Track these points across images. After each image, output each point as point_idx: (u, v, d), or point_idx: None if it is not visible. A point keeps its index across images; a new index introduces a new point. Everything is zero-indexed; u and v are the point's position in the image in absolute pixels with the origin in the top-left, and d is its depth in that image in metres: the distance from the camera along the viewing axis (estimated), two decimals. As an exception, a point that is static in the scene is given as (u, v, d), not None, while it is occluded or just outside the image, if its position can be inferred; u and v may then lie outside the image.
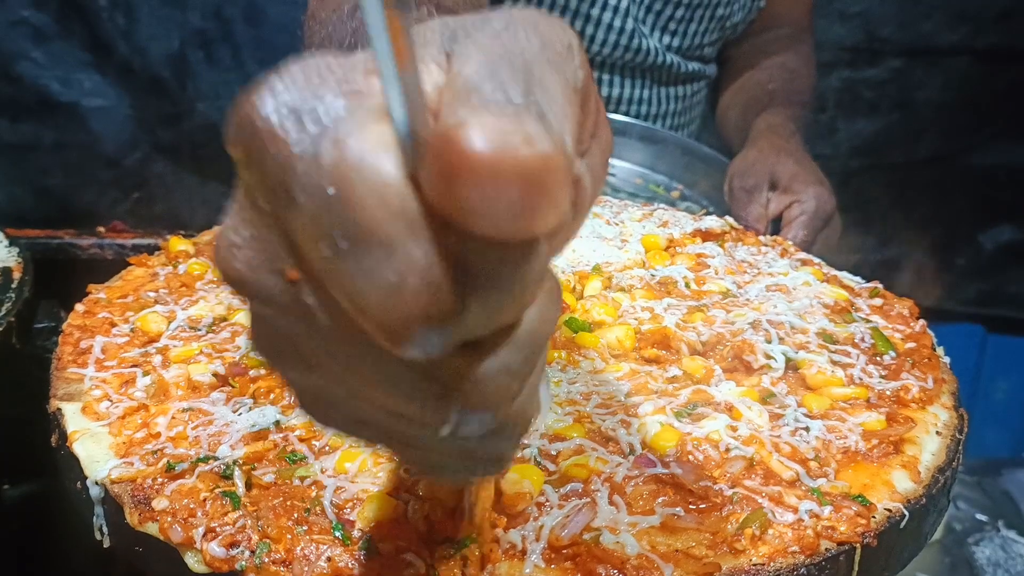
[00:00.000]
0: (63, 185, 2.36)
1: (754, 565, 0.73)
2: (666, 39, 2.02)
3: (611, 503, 0.76)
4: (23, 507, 1.26)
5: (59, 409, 0.89)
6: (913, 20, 3.09)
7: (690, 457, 0.81)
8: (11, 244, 1.24)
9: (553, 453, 0.81)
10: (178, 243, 1.19)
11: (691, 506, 0.77)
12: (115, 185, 2.45)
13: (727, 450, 0.81)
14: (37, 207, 2.33)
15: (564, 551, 0.71)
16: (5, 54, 2.32)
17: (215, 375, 0.92)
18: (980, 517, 2.02)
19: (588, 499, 0.75)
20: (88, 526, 0.82)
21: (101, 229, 1.48)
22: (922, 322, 1.09)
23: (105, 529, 0.81)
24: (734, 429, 0.84)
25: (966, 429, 0.94)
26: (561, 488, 0.77)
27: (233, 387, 0.91)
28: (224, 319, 1.03)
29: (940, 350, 1.05)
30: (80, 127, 2.35)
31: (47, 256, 1.35)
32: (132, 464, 0.80)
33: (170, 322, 1.01)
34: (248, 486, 0.77)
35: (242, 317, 1.02)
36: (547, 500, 0.76)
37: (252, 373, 0.92)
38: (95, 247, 1.44)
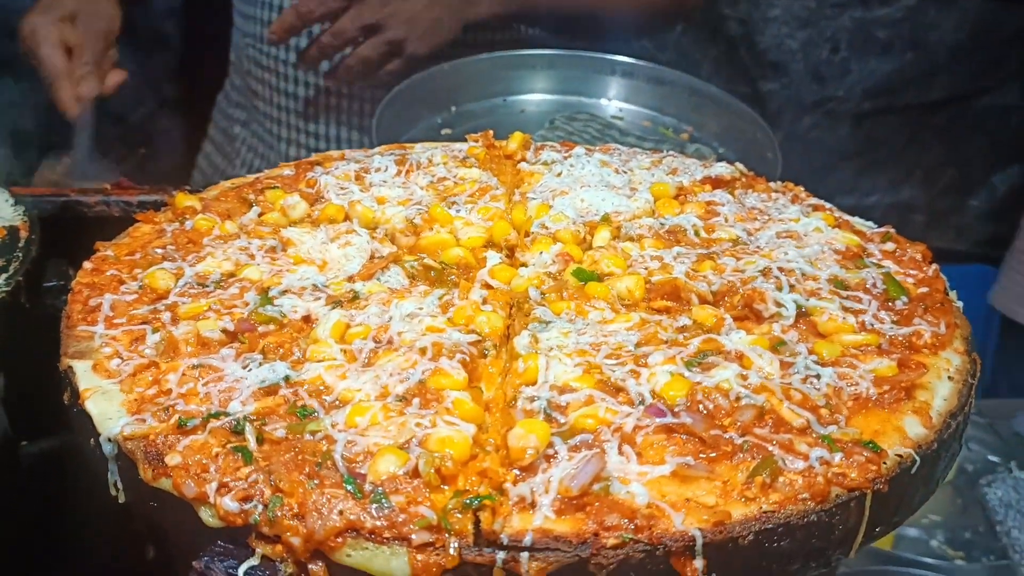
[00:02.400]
0: (68, 142, 2.35)
1: (764, 512, 0.73)
2: None
3: (621, 453, 0.76)
4: (41, 463, 1.28)
5: (70, 367, 0.89)
6: (927, -43, 3.03)
7: (700, 406, 0.81)
8: (17, 203, 1.23)
9: (562, 404, 0.81)
10: (185, 199, 1.18)
11: (701, 455, 0.77)
12: (121, 141, 2.44)
13: (737, 399, 0.81)
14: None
15: (574, 502, 0.72)
16: (7, 10, 2.30)
17: (224, 331, 0.92)
18: (992, 458, 2.03)
19: (597, 449, 0.76)
20: (104, 482, 0.83)
21: (107, 186, 1.46)
22: (935, 266, 1.07)
23: (120, 485, 0.82)
24: (744, 378, 0.84)
25: (978, 374, 0.93)
26: (570, 440, 0.77)
27: (243, 343, 0.91)
28: (232, 275, 1.02)
29: (953, 294, 1.04)
30: (84, 83, 2.33)
31: (53, 214, 1.34)
32: (144, 421, 0.81)
33: (178, 279, 1.01)
34: (259, 441, 0.77)
35: (250, 272, 1.02)
36: (556, 452, 0.76)
37: (261, 329, 0.92)
38: (101, 204, 1.43)
